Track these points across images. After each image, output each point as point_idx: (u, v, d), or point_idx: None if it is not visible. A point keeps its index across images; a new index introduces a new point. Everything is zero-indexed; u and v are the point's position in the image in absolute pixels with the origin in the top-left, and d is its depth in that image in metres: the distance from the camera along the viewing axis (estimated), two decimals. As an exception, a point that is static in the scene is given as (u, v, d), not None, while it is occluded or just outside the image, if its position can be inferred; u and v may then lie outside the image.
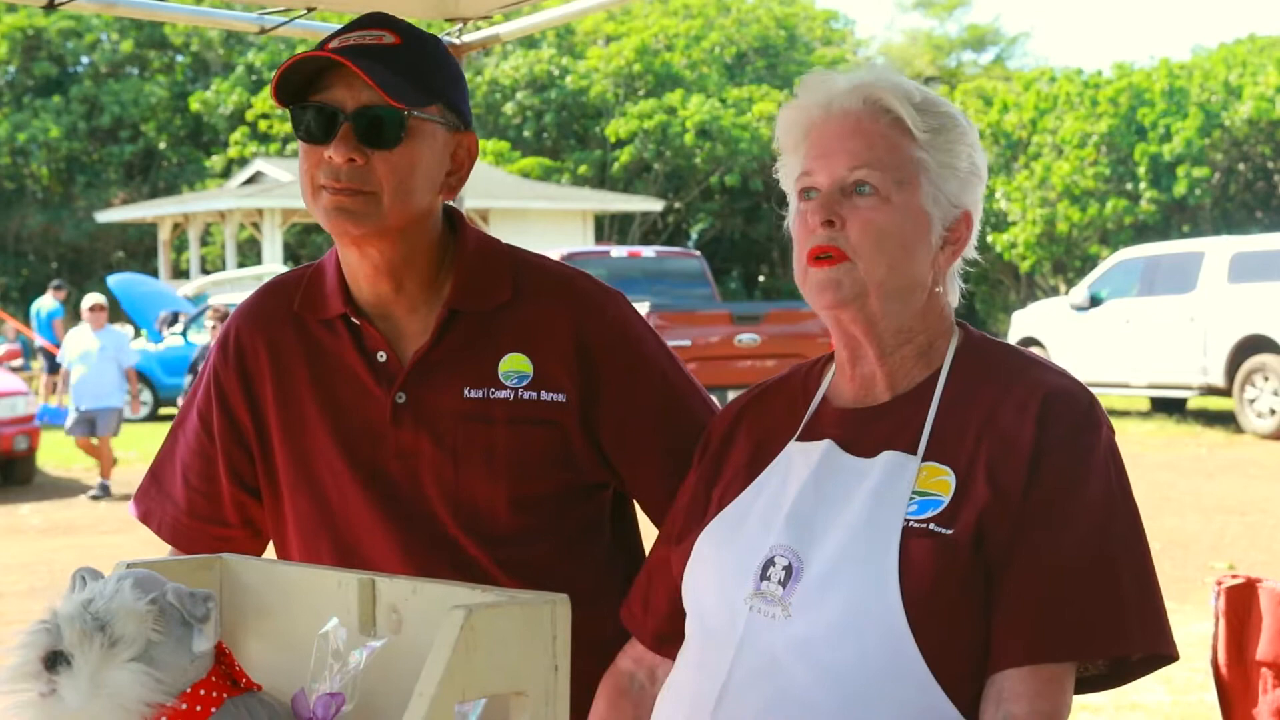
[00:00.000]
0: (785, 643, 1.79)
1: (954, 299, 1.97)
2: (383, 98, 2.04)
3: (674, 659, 1.98)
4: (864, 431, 1.90)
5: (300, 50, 2.13)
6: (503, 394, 2.17)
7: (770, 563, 1.84)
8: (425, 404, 2.17)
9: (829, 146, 1.89)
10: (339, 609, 1.67)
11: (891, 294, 1.87)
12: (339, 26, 3.41)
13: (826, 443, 1.90)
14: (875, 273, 1.86)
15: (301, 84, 2.09)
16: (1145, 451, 15.37)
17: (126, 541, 10.67)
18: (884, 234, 1.85)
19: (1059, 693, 1.77)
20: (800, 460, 1.92)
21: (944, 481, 1.81)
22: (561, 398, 2.18)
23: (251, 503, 2.30)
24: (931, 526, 1.78)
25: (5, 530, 11.94)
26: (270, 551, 2.35)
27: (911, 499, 1.80)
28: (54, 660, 1.52)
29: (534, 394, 2.17)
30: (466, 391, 2.17)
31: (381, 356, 2.19)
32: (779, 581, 1.82)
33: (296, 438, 2.23)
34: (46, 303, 24.88)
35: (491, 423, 2.16)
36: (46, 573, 9.80)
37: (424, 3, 3.29)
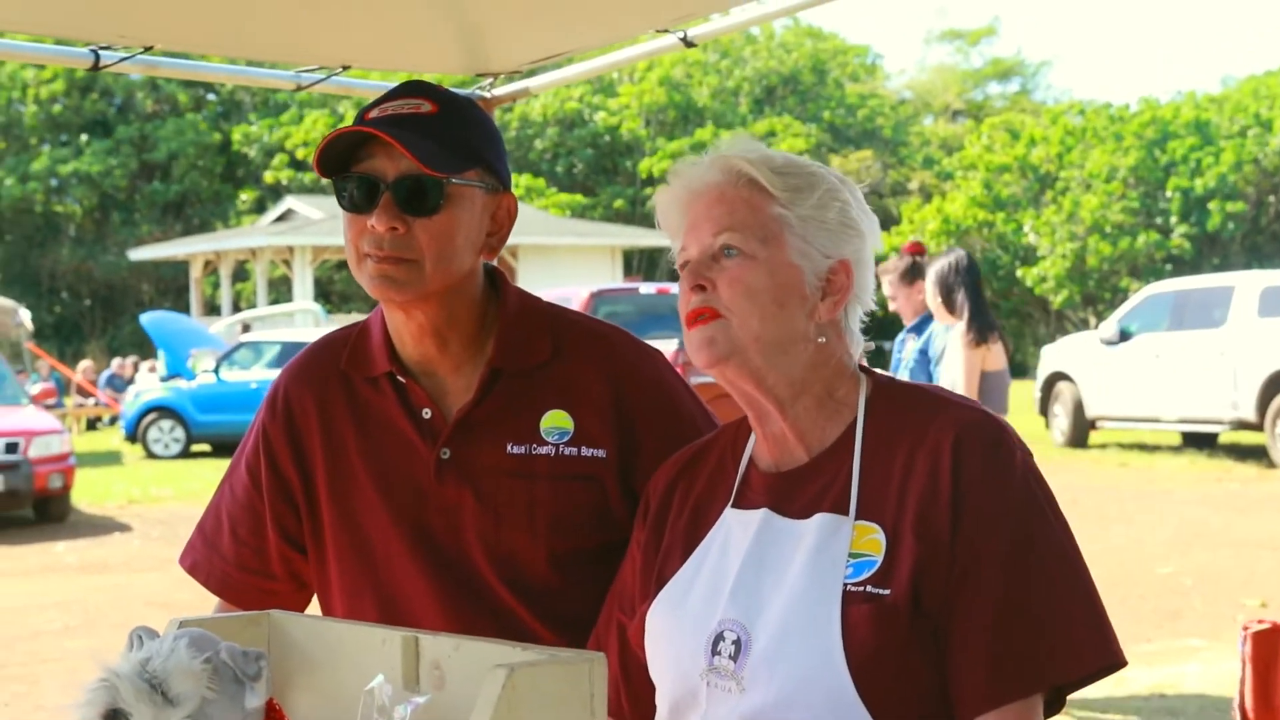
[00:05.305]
0: (742, 716, 1.84)
1: (855, 350, 2.01)
2: (420, 167, 2.11)
3: None
4: (794, 493, 1.94)
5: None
6: (544, 450, 2.22)
7: (720, 637, 1.89)
8: (469, 460, 2.22)
9: (697, 219, 1.97)
10: (383, 665, 1.72)
11: (771, 346, 1.92)
12: (371, 82, 3.51)
13: (763, 512, 1.95)
14: (750, 326, 1.92)
15: (344, 155, 2.15)
16: (1176, 487, 15.31)
17: (160, 580, 10.75)
18: (752, 289, 1.92)
19: None
20: (739, 530, 1.96)
21: (875, 540, 1.86)
22: (601, 453, 2.23)
23: (297, 557, 2.35)
24: (869, 589, 1.83)
25: (41, 568, 12.03)
26: (314, 603, 2.40)
27: (847, 561, 1.85)
28: (113, 719, 1.57)
29: (574, 450, 2.22)
30: (509, 448, 2.22)
31: (426, 414, 2.25)
32: (729, 656, 1.87)
33: (343, 492, 2.28)
34: None
35: (534, 478, 2.21)
36: (82, 611, 9.88)
37: (455, 58, 3.35)
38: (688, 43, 3.20)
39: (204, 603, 2.46)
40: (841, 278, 1.96)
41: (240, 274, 41.31)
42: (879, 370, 2.05)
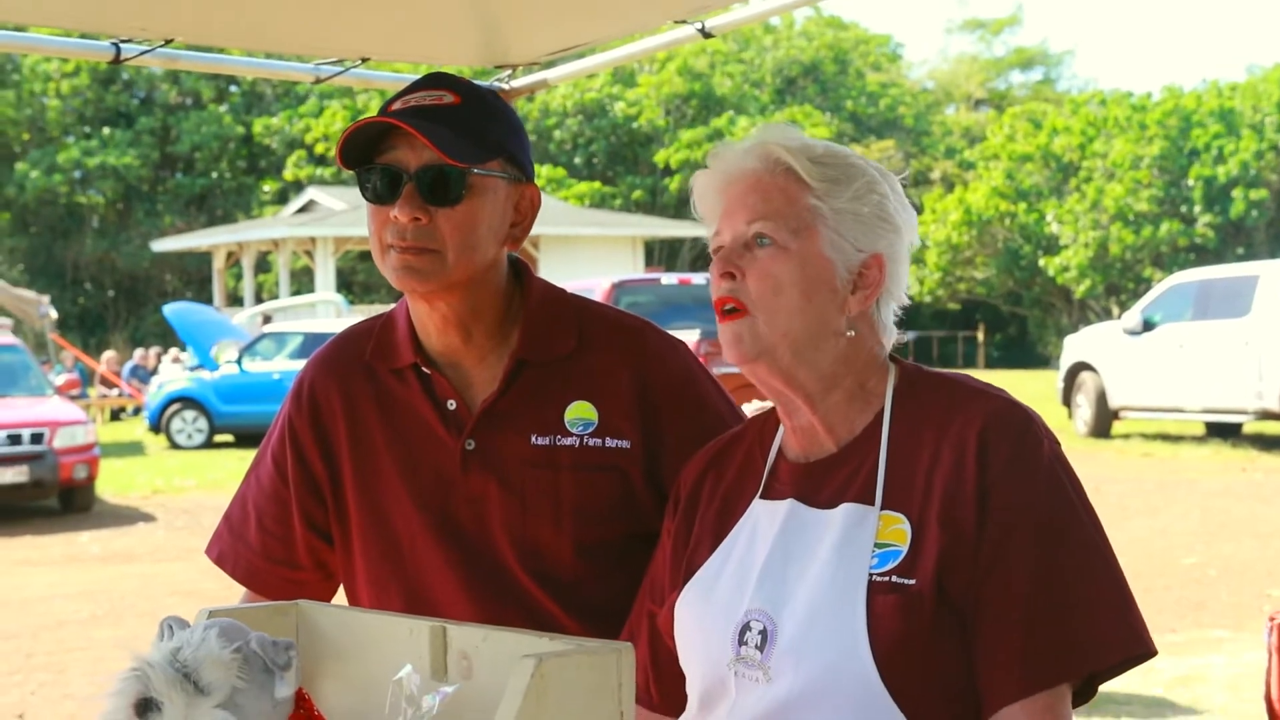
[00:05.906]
0: (769, 706, 1.85)
1: (887, 341, 2.00)
2: (443, 158, 2.11)
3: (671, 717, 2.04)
4: (820, 483, 1.94)
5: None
6: (568, 441, 2.23)
7: (746, 627, 1.90)
8: (494, 451, 2.23)
9: (732, 205, 1.96)
10: (411, 655, 1.73)
11: (800, 342, 1.92)
12: (390, 74, 3.52)
13: (790, 502, 1.95)
14: (777, 324, 1.91)
15: (366, 147, 2.16)
16: (1200, 477, 15.27)
17: (185, 569, 10.80)
18: (782, 283, 1.91)
19: (1058, 716, 1.82)
20: (766, 520, 1.97)
21: (900, 530, 1.86)
22: (625, 444, 2.24)
23: (323, 546, 2.36)
24: (894, 579, 1.83)
25: (65, 558, 12.11)
26: (340, 593, 2.42)
27: (873, 551, 1.85)
28: (144, 707, 1.57)
29: (599, 440, 2.23)
30: (534, 439, 2.23)
31: (451, 405, 2.26)
32: (756, 646, 1.88)
33: (369, 483, 2.30)
34: None
35: (558, 469, 2.22)
36: (107, 600, 9.93)
37: (474, 50, 3.35)
38: (706, 34, 3.19)
39: (229, 592, 2.48)
40: (874, 272, 1.95)
41: (263, 265, 41.43)
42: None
